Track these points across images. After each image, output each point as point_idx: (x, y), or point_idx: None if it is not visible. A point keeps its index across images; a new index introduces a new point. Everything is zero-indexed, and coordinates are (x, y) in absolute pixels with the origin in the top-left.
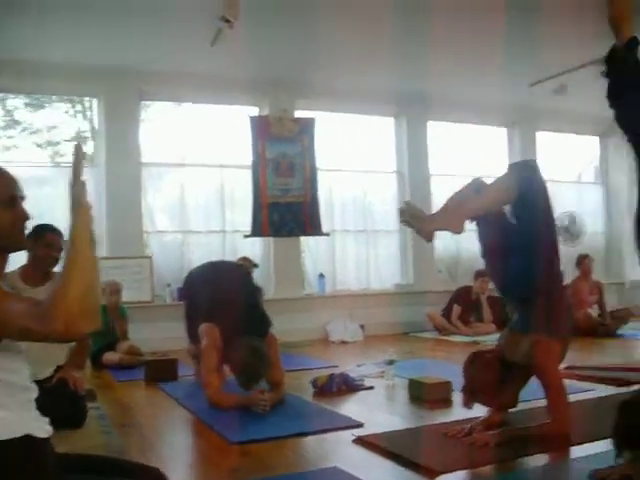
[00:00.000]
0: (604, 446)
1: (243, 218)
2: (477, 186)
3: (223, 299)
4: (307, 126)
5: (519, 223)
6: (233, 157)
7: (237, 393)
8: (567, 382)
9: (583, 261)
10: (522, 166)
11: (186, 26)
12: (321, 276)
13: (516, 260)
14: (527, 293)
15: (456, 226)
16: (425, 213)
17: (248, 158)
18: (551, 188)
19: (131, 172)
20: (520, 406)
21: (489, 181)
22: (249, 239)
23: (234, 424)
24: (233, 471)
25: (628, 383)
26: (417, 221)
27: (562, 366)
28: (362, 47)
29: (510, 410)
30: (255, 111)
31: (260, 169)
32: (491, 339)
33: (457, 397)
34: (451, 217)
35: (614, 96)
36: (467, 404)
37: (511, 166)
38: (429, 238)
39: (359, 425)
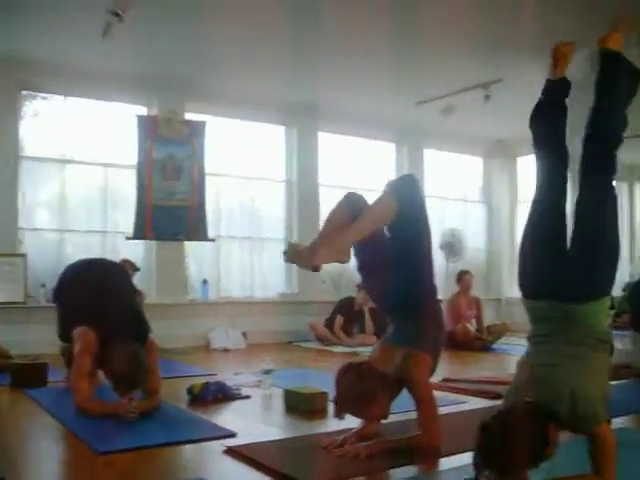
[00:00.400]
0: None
1: (126, 219)
2: (353, 202)
3: (100, 301)
4: (197, 129)
5: (395, 238)
6: (119, 156)
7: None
8: (441, 395)
9: (463, 277)
10: (401, 183)
11: (74, 17)
12: (205, 282)
13: (391, 275)
14: (401, 307)
15: (342, 257)
16: (308, 249)
17: (134, 158)
18: (437, 205)
19: (7, 165)
20: (393, 418)
21: (367, 194)
22: (131, 241)
23: (101, 432)
24: None
25: (499, 396)
26: (301, 259)
27: (438, 379)
28: (254, 54)
29: (383, 422)
30: (143, 110)
31: (146, 170)
32: (372, 351)
33: (333, 408)
34: (336, 250)
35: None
36: (339, 415)
37: (389, 184)
38: (316, 270)
39: (232, 435)
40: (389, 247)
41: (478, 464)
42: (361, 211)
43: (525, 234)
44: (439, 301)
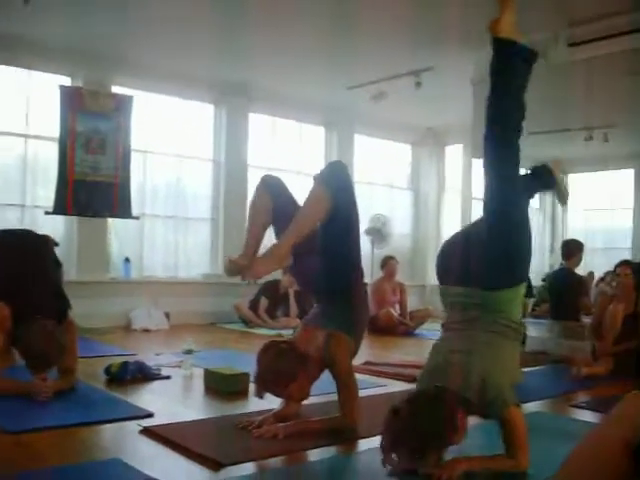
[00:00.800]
0: None
1: (46, 193)
2: (270, 185)
3: (17, 274)
4: (124, 104)
5: (327, 226)
6: (39, 127)
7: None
8: (362, 377)
9: (388, 262)
10: (329, 173)
11: None
12: (127, 260)
13: (319, 259)
14: (328, 290)
15: (283, 264)
16: (246, 260)
17: (56, 130)
18: (365, 190)
19: None
20: (313, 400)
21: (296, 178)
22: (51, 216)
23: (12, 412)
24: (4, 462)
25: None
26: (244, 273)
27: (360, 362)
28: (185, 29)
29: (303, 403)
30: (68, 81)
31: (68, 143)
32: (294, 332)
33: (254, 389)
34: (276, 259)
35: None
36: (258, 394)
37: (319, 176)
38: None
39: (149, 415)
40: (319, 233)
41: (385, 447)
42: (280, 193)
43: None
44: (365, 285)
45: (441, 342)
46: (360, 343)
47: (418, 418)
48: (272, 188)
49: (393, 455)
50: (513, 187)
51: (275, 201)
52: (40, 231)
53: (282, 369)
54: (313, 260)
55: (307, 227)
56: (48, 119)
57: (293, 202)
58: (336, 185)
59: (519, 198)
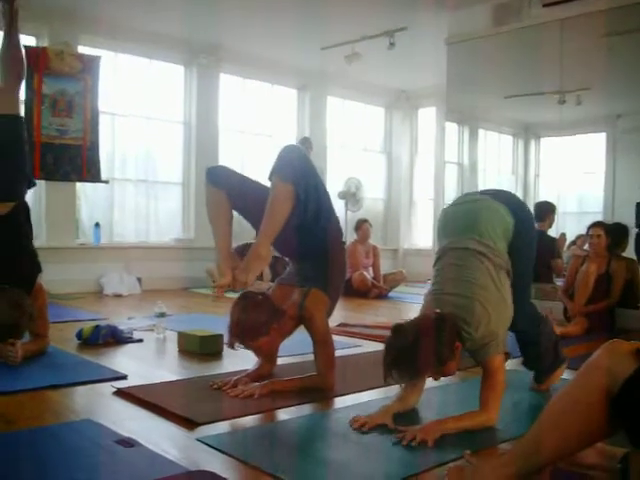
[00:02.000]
0: (365, 397)
1: None
2: (218, 176)
3: None
4: (91, 64)
5: (297, 207)
6: None
7: None
8: (337, 338)
9: (361, 226)
10: (285, 163)
11: None
12: (97, 225)
13: (294, 227)
14: (304, 253)
15: (267, 261)
16: (225, 267)
17: (21, 92)
18: (338, 154)
19: None
20: (288, 360)
21: (268, 140)
22: None
23: None
24: None
25: None
26: (234, 284)
27: (334, 324)
28: None
29: (278, 363)
30: (32, 41)
31: (34, 106)
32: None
33: (228, 350)
34: (259, 260)
35: None
36: (230, 344)
37: (275, 170)
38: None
39: (122, 377)
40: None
41: (387, 364)
42: (230, 182)
43: None
44: (344, 245)
45: (437, 286)
46: (336, 302)
47: (419, 337)
48: (220, 180)
49: (393, 372)
50: None
51: (226, 189)
52: None
53: (255, 320)
54: (288, 227)
55: (280, 222)
56: None
57: (249, 185)
58: (291, 171)
59: None
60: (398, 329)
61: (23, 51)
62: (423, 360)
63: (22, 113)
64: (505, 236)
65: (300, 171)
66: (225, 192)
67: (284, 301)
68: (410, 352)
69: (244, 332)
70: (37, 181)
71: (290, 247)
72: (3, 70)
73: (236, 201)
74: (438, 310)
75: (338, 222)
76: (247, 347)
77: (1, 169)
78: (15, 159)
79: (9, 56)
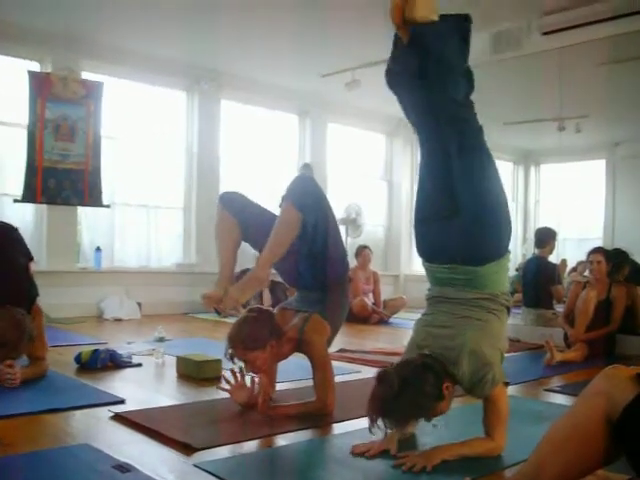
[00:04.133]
0: (365, 423)
1: (15, 181)
2: (231, 201)
3: None
4: (94, 90)
5: (304, 235)
6: (6, 114)
7: None
8: (337, 364)
9: (362, 252)
10: (296, 190)
11: None
12: (98, 250)
13: (300, 256)
14: (309, 284)
15: (262, 286)
16: (222, 290)
17: (24, 117)
18: (339, 180)
19: None
20: (287, 385)
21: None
22: (20, 204)
23: None
24: None
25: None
26: (226, 303)
27: (334, 350)
28: (155, 15)
29: (277, 389)
30: (36, 66)
31: (37, 130)
32: None
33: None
34: (254, 283)
35: None
36: (227, 353)
37: (286, 197)
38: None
39: (120, 402)
40: (299, 238)
41: (372, 413)
42: (242, 208)
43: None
44: (348, 279)
45: (426, 316)
46: (336, 333)
47: (405, 386)
48: (232, 204)
49: (379, 421)
50: (479, 154)
51: (239, 217)
52: (7, 220)
53: (254, 331)
54: (294, 254)
55: (283, 247)
56: (15, 105)
57: (259, 213)
58: (303, 200)
59: (486, 168)
60: (382, 377)
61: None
62: (409, 410)
63: None
64: None
65: (312, 201)
66: (237, 221)
67: (286, 323)
68: (395, 402)
69: (242, 341)
70: (38, 205)
71: (296, 276)
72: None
73: (247, 232)
74: (425, 352)
75: (345, 255)
76: (242, 360)
77: None
78: None
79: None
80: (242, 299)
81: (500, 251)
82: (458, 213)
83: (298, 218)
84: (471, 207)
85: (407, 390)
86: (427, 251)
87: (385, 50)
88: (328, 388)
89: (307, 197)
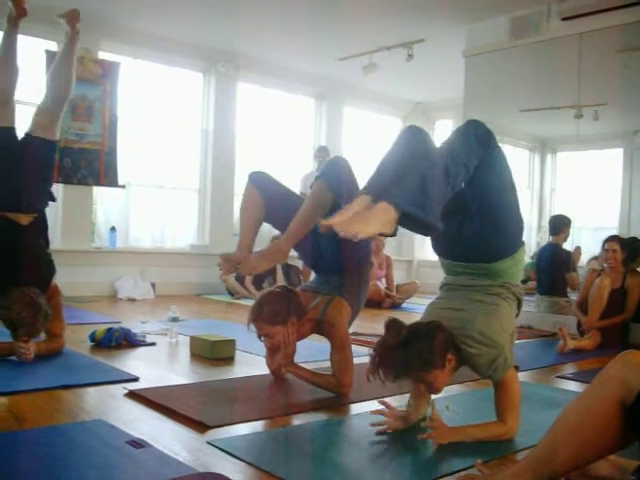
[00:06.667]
0: (378, 405)
1: None
2: (260, 181)
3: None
4: (111, 70)
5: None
6: (24, 94)
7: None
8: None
9: (375, 236)
10: (329, 170)
11: None
12: (113, 230)
13: (320, 236)
14: (331, 267)
15: (281, 261)
16: (242, 255)
17: (41, 96)
18: (354, 163)
19: None
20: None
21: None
22: None
23: None
24: None
25: None
26: (240, 266)
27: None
28: None
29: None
30: (53, 46)
31: None
32: None
33: (240, 356)
34: (275, 256)
35: None
36: (249, 324)
37: (321, 177)
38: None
39: (134, 379)
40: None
41: (373, 362)
42: (269, 187)
43: None
44: (371, 264)
45: (439, 300)
46: (356, 316)
47: (413, 337)
48: (260, 183)
49: (380, 371)
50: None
51: (265, 196)
52: None
53: (277, 305)
54: (321, 239)
55: (309, 225)
56: (33, 85)
57: (285, 193)
58: (336, 181)
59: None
60: (392, 325)
61: (74, 74)
62: (409, 360)
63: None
64: None
65: (345, 183)
66: (263, 200)
67: (307, 304)
68: (400, 350)
69: (264, 314)
70: (54, 184)
71: (317, 258)
72: (52, 87)
73: (270, 211)
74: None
75: (370, 241)
76: (263, 334)
77: (28, 184)
78: (42, 177)
79: (61, 73)
80: (260, 268)
81: (513, 248)
82: (468, 212)
83: (329, 198)
84: (480, 207)
85: (415, 341)
86: (442, 250)
87: (401, 34)
88: (346, 368)
89: (340, 179)
